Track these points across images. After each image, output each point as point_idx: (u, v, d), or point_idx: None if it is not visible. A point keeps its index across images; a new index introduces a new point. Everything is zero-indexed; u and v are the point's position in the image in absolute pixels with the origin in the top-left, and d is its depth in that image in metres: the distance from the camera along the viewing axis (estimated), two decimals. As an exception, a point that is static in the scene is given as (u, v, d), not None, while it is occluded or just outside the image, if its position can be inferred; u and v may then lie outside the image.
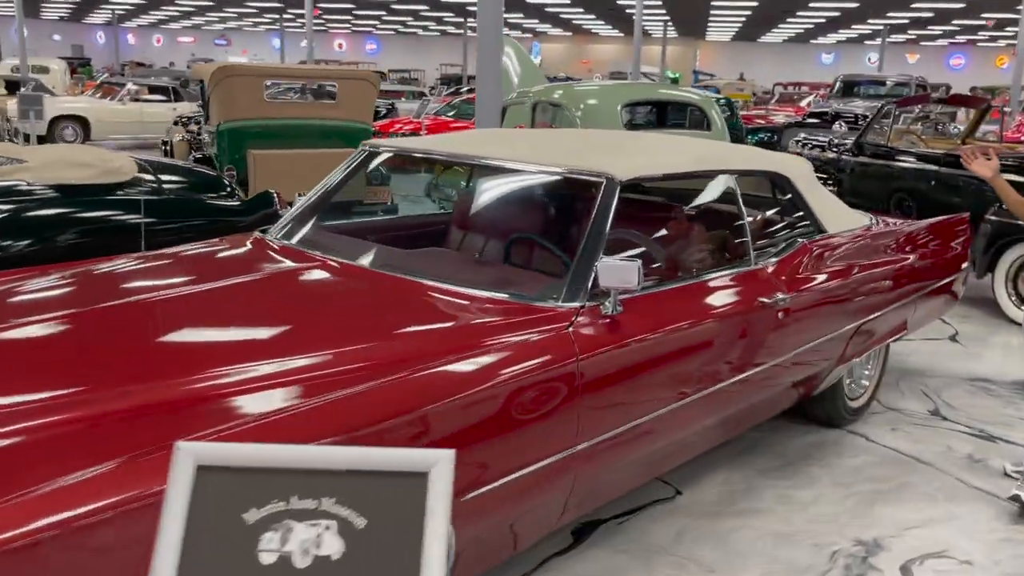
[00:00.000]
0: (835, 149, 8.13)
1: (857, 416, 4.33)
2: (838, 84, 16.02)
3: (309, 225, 3.29)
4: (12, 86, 17.54)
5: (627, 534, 3.19)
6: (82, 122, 16.29)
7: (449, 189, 3.26)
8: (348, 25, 45.31)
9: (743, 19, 33.88)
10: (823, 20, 32.56)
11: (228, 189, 5.30)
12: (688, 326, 2.87)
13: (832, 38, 42.47)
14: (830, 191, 8.11)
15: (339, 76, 7.30)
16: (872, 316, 3.96)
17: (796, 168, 3.76)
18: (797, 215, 3.78)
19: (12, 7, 38.49)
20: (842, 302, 3.71)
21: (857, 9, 27.82)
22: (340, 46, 51.29)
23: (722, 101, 16.32)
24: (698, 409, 3.01)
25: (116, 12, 38.18)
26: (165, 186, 4.86)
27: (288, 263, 2.90)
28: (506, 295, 2.63)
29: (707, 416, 3.11)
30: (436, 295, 2.66)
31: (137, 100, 17.16)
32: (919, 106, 7.92)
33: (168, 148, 9.31)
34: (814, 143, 8.81)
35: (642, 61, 40.56)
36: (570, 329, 2.52)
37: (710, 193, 3.47)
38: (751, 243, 3.38)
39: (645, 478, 3.11)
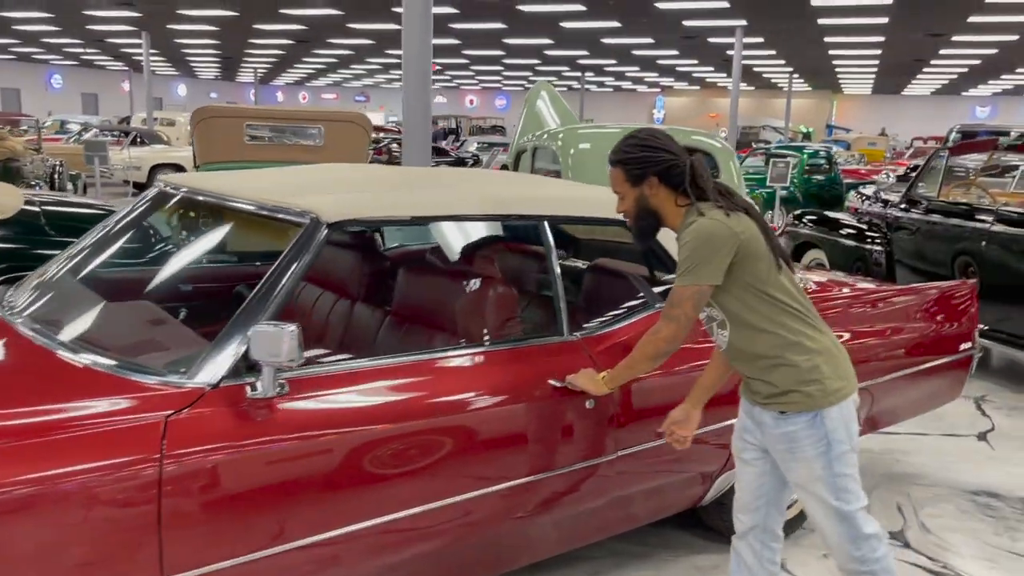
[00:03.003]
0: (881, 203, 7.01)
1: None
2: (953, 135, 14.41)
3: (53, 275, 2.82)
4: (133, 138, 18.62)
5: None
6: (179, 170, 17.05)
7: (174, 232, 2.76)
8: (476, 81, 46.28)
9: (873, 71, 31.88)
10: (966, 69, 30.09)
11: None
12: (400, 415, 2.17)
13: (985, 90, 39.30)
14: (880, 251, 7.06)
15: (324, 119, 6.98)
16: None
17: (663, 216, 2.96)
18: (665, 272, 2.99)
19: (170, 68, 41.83)
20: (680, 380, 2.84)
21: (1000, 57, 25.48)
22: (471, 102, 52.55)
23: (822, 154, 15.20)
24: (428, 527, 2.27)
25: (257, 71, 40.62)
26: (52, 224, 4.59)
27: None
28: (123, 368, 2.03)
29: (449, 538, 2.36)
30: (48, 366, 2.09)
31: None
32: (987, 154, 6.71)
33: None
34: (872, 197, 7.68)
35: (773, 114, 39.08)
36: (169, 418, 1.89)
37: (508, 243, 2.74)
38: (563, 307, 2.62)
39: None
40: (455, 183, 2.63)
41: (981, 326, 6.05)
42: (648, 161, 2.23)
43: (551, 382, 2.46)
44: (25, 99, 39.09)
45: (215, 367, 2.01)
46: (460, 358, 2.40)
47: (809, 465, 2.22)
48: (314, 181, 2.67)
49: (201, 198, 2.53)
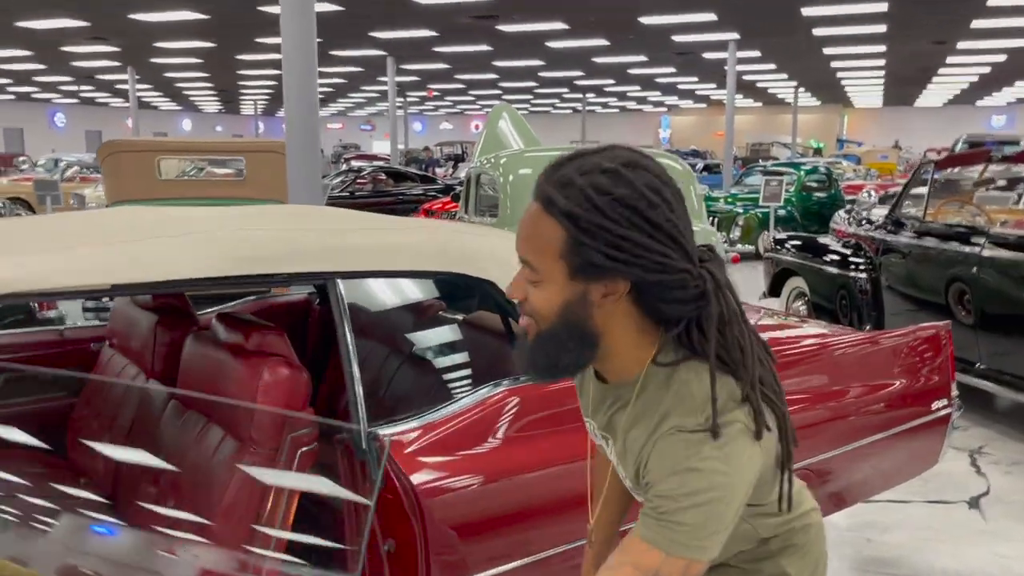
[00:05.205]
0: (865, 225, 6.27)
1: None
2: (960, 145, 13.63)
3: None
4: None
5: None
6: (157, 206, 16.63)
7: None
8: (479, 106, 45.96)
9: (880, 82, 31.09)
10: (976, 78, 29.23)
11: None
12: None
13: (1000, 98, 38.33)
14: (865, 279, 6.32)
15: (244, 149, 6.38)
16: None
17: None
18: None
19: (171, 103, 41.83)
20: (549, 485, 2.14)
21: (1010, 63, 24.62)
22: (476, 127, 52.30)
23: (821, 170, 14.39)
24: None
25: (257, 103, 40.50)
26: None
27: None
28: None
29: None
30: None
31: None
32: (979, 166, 5.97)
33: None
34: (861, 217, 6.94)
35: (783, 130, 38.30)
36: None
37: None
38: (359, 397, 1.94)
39: None
40: (206, 231, 1.97)
41: (979, 365, 5.33)
42: (627, 246, 1.08)
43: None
44: (28, 138, 39.11)
45: None
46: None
47: None
48: (27, 236, 2.02)
49: None
